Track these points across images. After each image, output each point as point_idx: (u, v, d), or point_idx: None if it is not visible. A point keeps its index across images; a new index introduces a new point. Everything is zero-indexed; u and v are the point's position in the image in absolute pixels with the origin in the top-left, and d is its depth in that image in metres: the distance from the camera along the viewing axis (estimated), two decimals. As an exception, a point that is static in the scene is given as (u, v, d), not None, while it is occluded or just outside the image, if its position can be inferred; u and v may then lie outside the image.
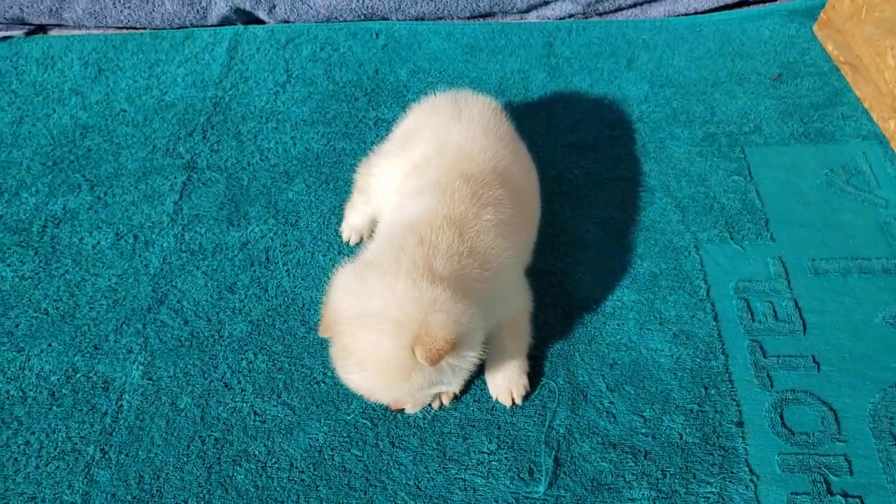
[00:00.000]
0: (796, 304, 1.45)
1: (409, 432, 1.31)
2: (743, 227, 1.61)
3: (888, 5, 1.71)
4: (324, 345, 1.43)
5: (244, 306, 1.52)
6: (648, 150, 1.80)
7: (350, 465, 1.28)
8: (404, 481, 1.25)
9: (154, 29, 2.20)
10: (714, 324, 1.44)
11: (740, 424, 1.30)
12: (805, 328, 1.42)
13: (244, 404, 1.36)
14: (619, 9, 2.17)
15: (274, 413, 1.35)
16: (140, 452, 1.30)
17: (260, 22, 2.22)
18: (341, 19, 2.18)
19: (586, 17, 2.20)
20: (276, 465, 1.28)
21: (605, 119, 1.89)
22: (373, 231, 1.62)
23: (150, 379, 1.40)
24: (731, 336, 1.42)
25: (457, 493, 1.24)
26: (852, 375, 1.34)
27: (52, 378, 1.41)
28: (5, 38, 2.20)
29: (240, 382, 1.40)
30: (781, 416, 1.29)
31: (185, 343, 1.46)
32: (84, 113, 1.97)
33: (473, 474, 1.26)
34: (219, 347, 1.45)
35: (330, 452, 1.29)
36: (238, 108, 1.96)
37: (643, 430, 1.30)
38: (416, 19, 2.19)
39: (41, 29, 2.24)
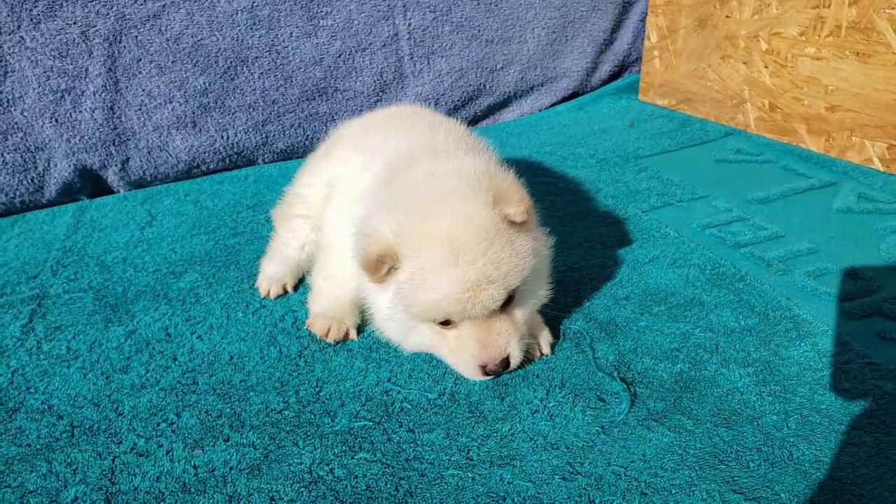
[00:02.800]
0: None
1: (422, 418, 1.02)
2: (674, 194, 1.72)
3: (689, 42, 2.21)
4: (274, 376, 1.15)
5: (148, 380, 1.18)
6: (559, 172, 1.93)
7: (359, 469, 0.93)
8: (446, 457, 0.93)
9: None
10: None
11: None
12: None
13: (175, 464, 0.98)
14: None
15: (224, 458, 0.97)
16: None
17: (109, 191, 2.13)
18: (204, 166, 2.18)
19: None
20: None
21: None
22: (298, 282, 1.44)
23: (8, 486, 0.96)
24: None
25: (525, 445, 0.94)
26: None
27: None
28: None
29: (161, 446, 1.01)
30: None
31: (62, 437, 1.06)
32: None
33: (532, 423, 0.98)
34: (121, 422, 1.07)
35: (326, 468, 0.94)
36: (95, 247, 1.76)
37: (701, 325, 1.16)
38: (285, 157, 2.28)
39: None
